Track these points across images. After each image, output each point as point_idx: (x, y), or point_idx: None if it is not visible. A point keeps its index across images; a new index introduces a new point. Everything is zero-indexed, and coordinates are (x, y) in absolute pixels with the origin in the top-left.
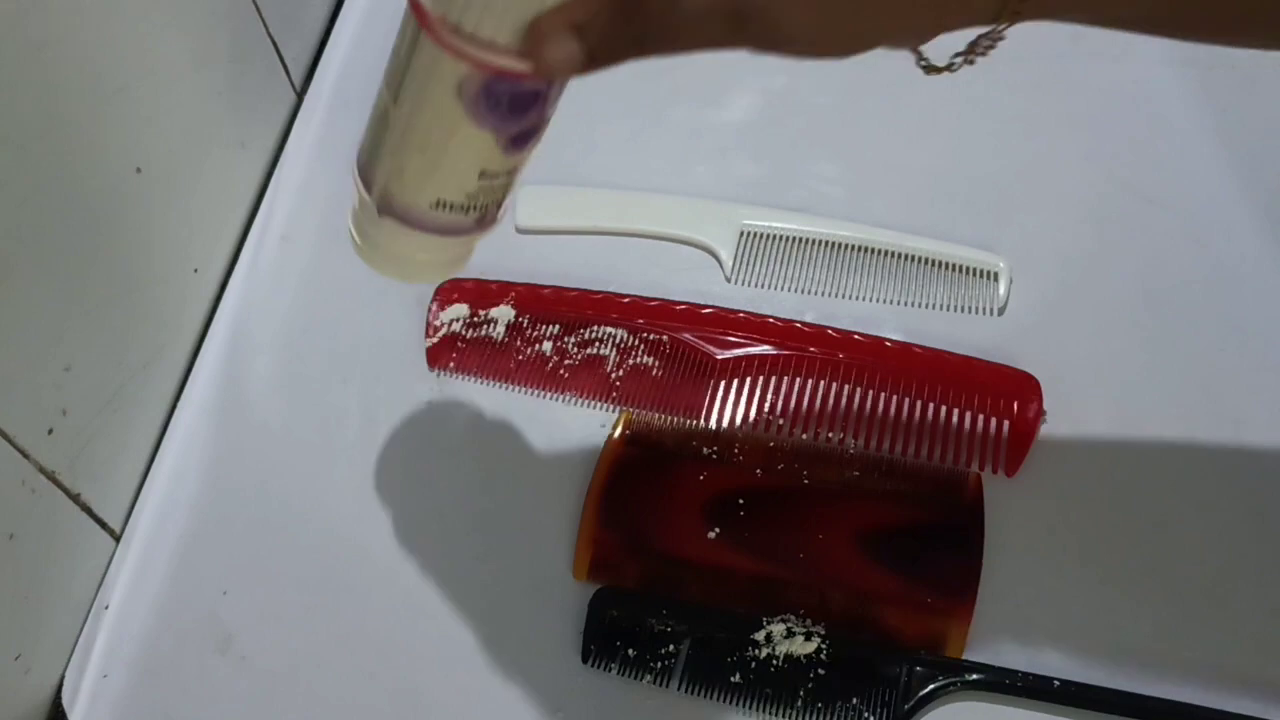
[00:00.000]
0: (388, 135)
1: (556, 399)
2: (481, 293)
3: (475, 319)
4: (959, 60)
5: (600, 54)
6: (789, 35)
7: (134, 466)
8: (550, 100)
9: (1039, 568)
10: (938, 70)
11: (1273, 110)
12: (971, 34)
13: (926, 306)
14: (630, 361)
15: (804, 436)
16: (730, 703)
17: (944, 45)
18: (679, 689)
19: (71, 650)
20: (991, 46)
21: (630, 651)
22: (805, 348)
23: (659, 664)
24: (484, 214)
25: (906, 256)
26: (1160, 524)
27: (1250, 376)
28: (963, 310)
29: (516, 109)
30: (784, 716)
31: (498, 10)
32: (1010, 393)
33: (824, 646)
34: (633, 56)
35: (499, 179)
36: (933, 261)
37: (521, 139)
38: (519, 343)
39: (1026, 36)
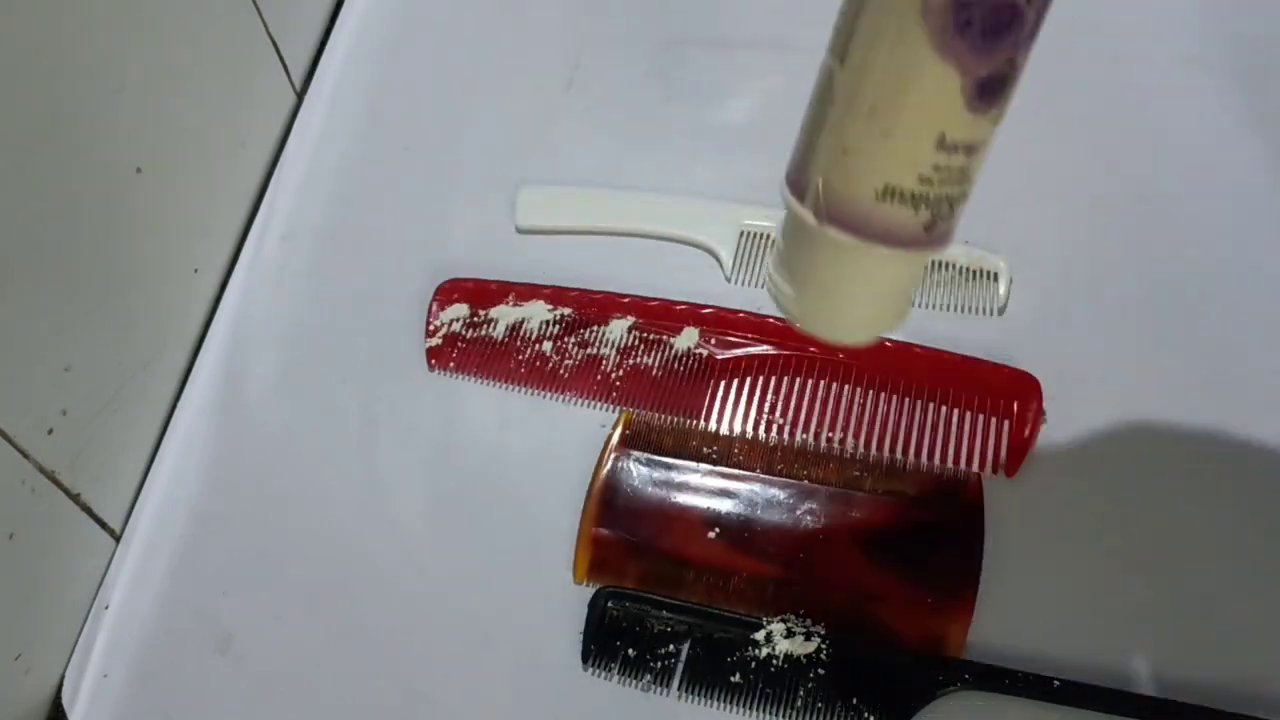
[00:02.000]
0: (830, 110)
1: (556, 399)
2: (481, 293)
3: (475, 319)
4: None
5: None
6: None
7: (134, 466)
8: (1029, 28)
9: (1039, 568)
10: None
11: (1275, 109)
12: None
13: (926, 306)
14: (630, 361)
15: (804, 437)
16: (730, 703)
17: None
18: (679, 689)
19: (71, 650)
20: None
21: (630, 652)
22: (805, 348)
23: (659, 664)
24: (935, 216)
25: None
26: (1161, 524)
27: (1251, 376)
28: (962, 310)
29: (990, 34)
30: (784, 716)
31: None
32: (1010, 393)
33: (824, 646)
34: None
35: (957, 157)
36: (932, 261)
37: (990, 86)
38: (519, 343)
39: None
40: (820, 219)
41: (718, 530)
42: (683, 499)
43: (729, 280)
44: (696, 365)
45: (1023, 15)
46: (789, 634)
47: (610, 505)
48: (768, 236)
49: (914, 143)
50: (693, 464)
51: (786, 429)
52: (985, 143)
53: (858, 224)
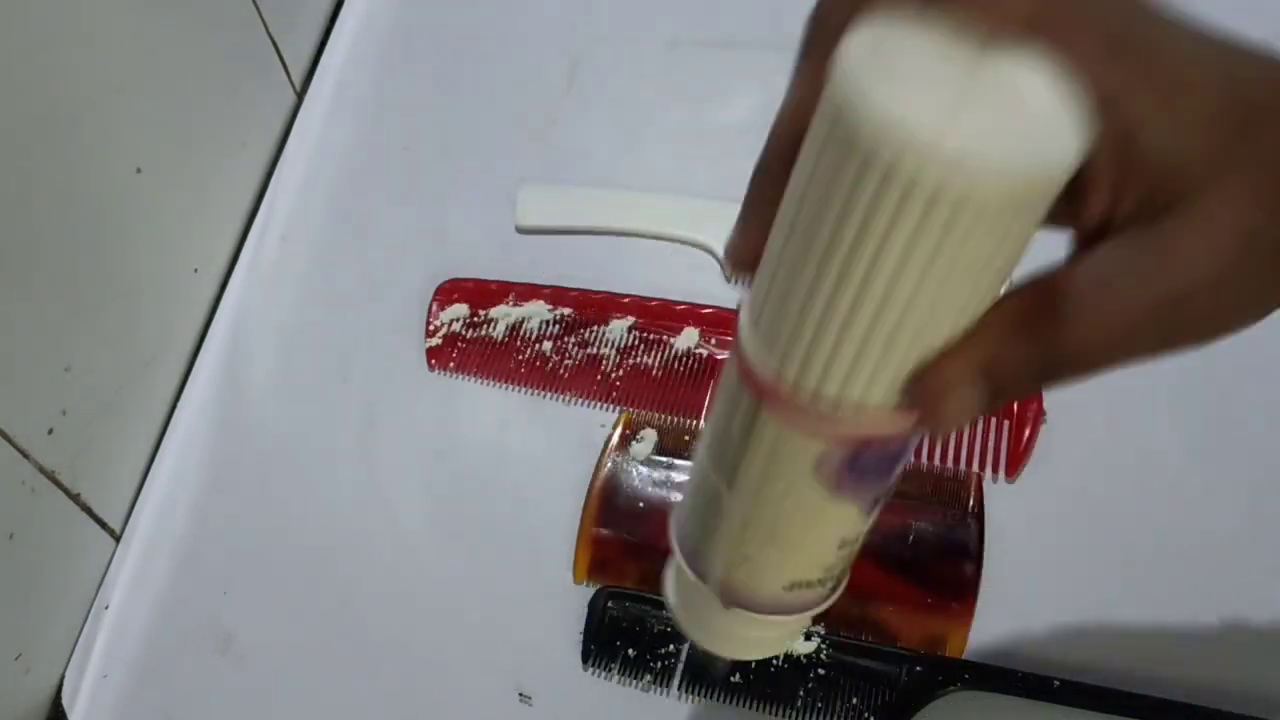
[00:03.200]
0: (723, 524)
1: (556, 399)
2: (481, 293)
3: (475, 319)
4: None
5: (1003, 395)
6: (1214, 336)
7: (134, 466)
8: (915, 444)
9: (1039, 568)
10: None
11: None
12: None
13: None
14: (630, 361)
15: None
16: (730, 703)
17: None
18: (679, 689)
19: (71, 650)
20: None
21: (630, 652)
22: None
23: (659, 664)
24: (838, 581)
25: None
26: (1160, 524)
27: (1251, 376)
28: None
29: (884, 469)
30: (784, 716)
31: (868, 370)
32: None
33: (824, 646)
34: (1040, 390)
35: (856, 543)
36: None
37: (883, 498)
38: (519, 343)
39: None
40: (725, 603)
41: None
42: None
43: (729, 280)
44: (696, 365)
45: (909, 444)
46: None
47: (610, 505)
48: None
49: (817, 555)
50: (690, 464)
51: None
52: (879, 514)
53: (763, 607)
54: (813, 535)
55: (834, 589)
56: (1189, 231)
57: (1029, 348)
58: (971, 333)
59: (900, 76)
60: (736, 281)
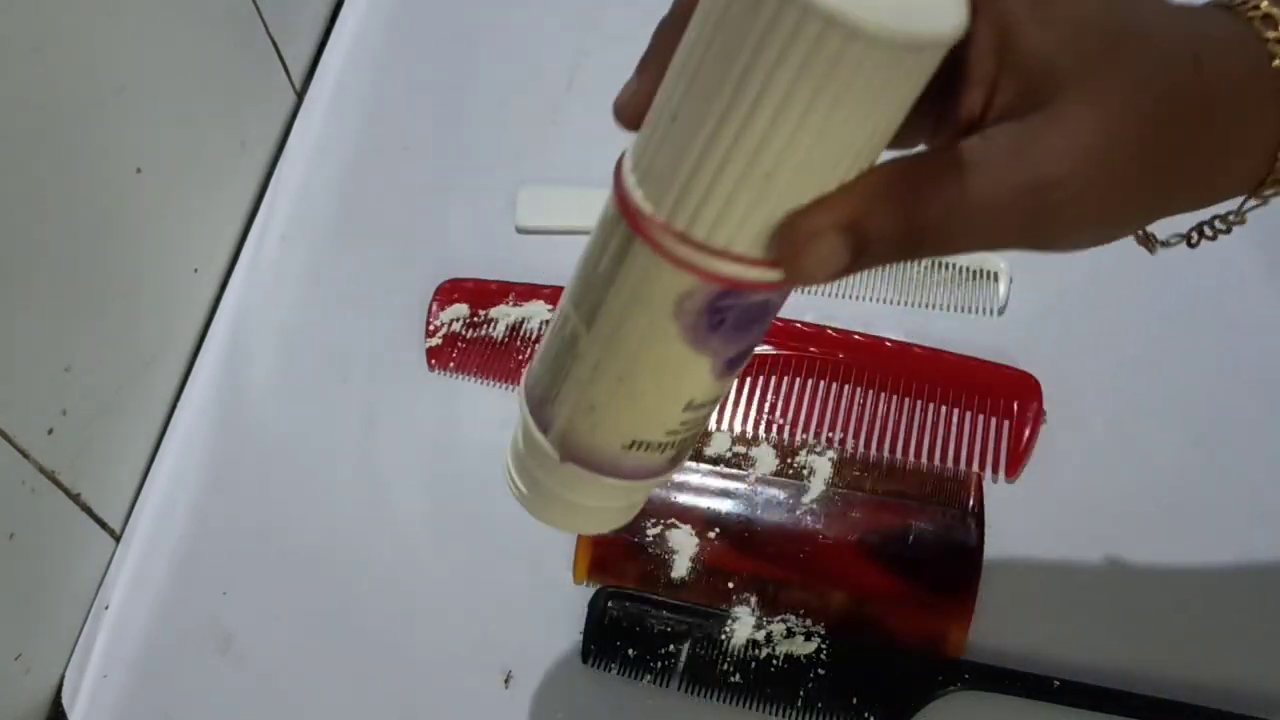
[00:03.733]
0: (575, 365)
1: None
2: (481, 293)
3: (475, 319)
4: (1176, 239)
5: (866, 257)
6: (1077, 235)
7: (134, 466)
8: (776, 310)
9: (1039, 568)
10: (1158, 245)
11: None
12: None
13: (926, 306)
14: None
15: (803, 436)
16: (730, 703)
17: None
18: (679, 689)
19: (71, 650)
20: (1227, 230)
21: (630, 651)
22: (805, 348)
23: (659, 664)
24: (679, 452)
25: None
26: (1160, 524)
27: (1251, 375)
28: (963, 310)
29: (742, 325)
30: (784, 716)
31: (740, 210)
32: (1010, 393)
33: (824, 646)
34: (902, 258)
35: (703, 410)
36: (932, 261)
37: (736, 361)
38: (519, 343)
39: None
40: (562, 457)
41: (718, 530)
42: (683, 499)
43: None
44: None
45: (772, 306)
46: (789, 634)
47: None
48: None
49: (663, 409)
50: (693, 464)
51: (786, 429)
52: (729, 389)
53: (601, 466)
54: (662, 386)
55: (674, 460)
56: (1056, 127)
57: (894, 211)
58: (841, 190)
59: None
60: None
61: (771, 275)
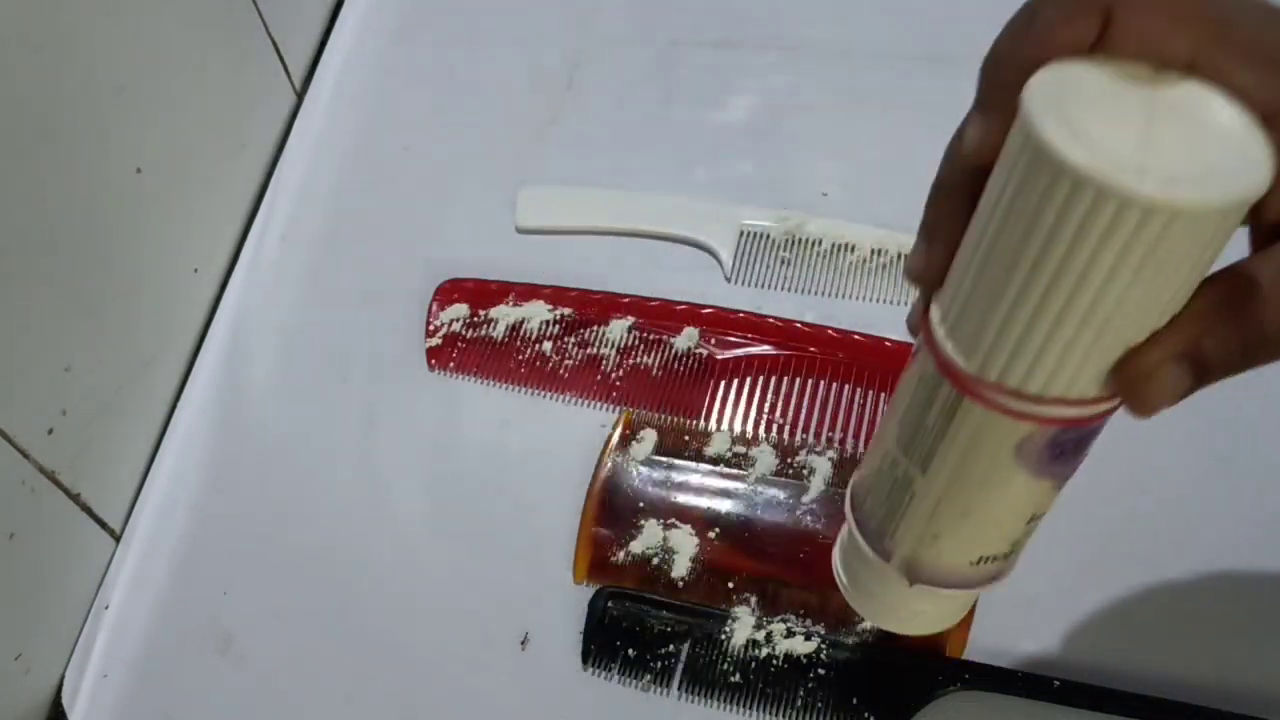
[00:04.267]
0: (914, 503)
1: (556, 399)
2: (481, 293)
3: (475, 319)
4: None
5: (1206, 375)
6: None
7: (134, 466)
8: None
9: (1039, 568)
10: None
11: None
12: None
13: None
14: (630, 361)
15: (803, 436)
16: (730, 703)
17: None
18: (679, 689)
19: (71, 650)
20: None
21: (630, 652)
22: (805, 348)
23: (659, 664)
24: (1019, 553)
25: (906, 256)
26: (1160, 524)
27: (1251, 376)
28: None
29: (1082, 447)
30: (784, 716)
31: (1074, 364)
32: None
33: (824, 646)
34: (1243, 370)
35: (1043, 516)
36: None
37: (1073, 471)
38: (519, 343)
39: None
40: (910, 581)
41: (718, 530)
42: (683, 499)
43: (729, 280)
44: (696, 365)
45: (1103, 423)
46: (789, 634)
47: (610, 505)
48: (768, 236)
49: (1007, 529)
50: (693, 464)
51: (786, 429)
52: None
53: (950, 582)
54: (1007, 512)
55: (1014, 560)
56: None
57: (1229, 330)
58: (1173, 322)
59: (1089, 117)
60: (736, 281)
61: (1109, 405)
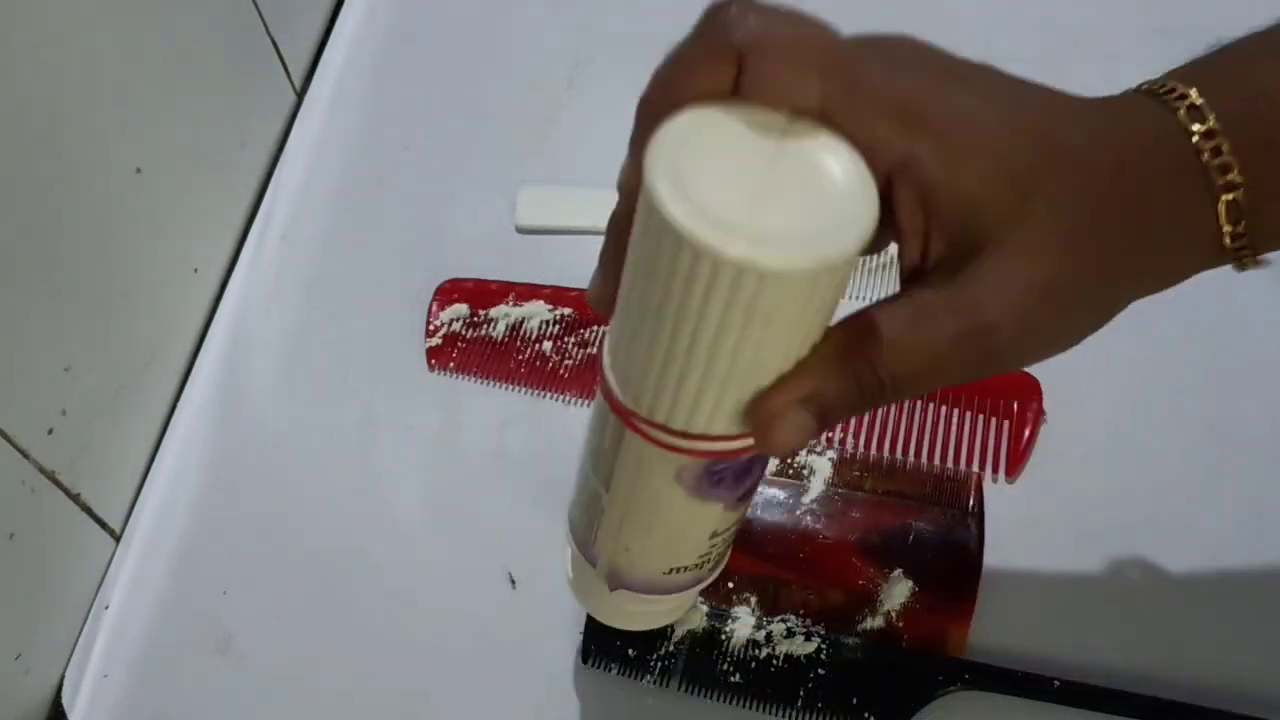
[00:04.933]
0: (604, 518)
1: (556, 399)
2: (481, 293)
3: (475, 319)
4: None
5: (830, 419)
6: (1025, 362)
7: (134, 466)
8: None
9: (1039, 568)
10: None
11: None
12: None
13: None
14: None
15: None
16: (730, 703)
17: None
18: (679, 689)
19: (71, 650)
20: None
21: (630, 651)
22: None
23: (659, 664)
24: (716, 563)
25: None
26: (1160, 524)
27: (1251, 377)
28: None
29: (740, 476)
30: (784, 716)
31: (709, 405)
32: (1010, 393)
33: (824, 646)
34: (863, 412)
35: (729, 530)
36: None
37: (746, 495)
38: (519, 343)
39: (1024, 39)
40: (610, 587)
41: None
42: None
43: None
44: None
45: (762, 458)
46: (789, 634)
47: None
48: None
49: (689, 544)
50: None
51: None
52: (749, 505)
53: (646, 589)
54: (683, 531)
55: (713, 568)
56: (985, 279)
57: (846, 379)
58: (797, 368)
59: (705, 172)
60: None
61: (748, 444)
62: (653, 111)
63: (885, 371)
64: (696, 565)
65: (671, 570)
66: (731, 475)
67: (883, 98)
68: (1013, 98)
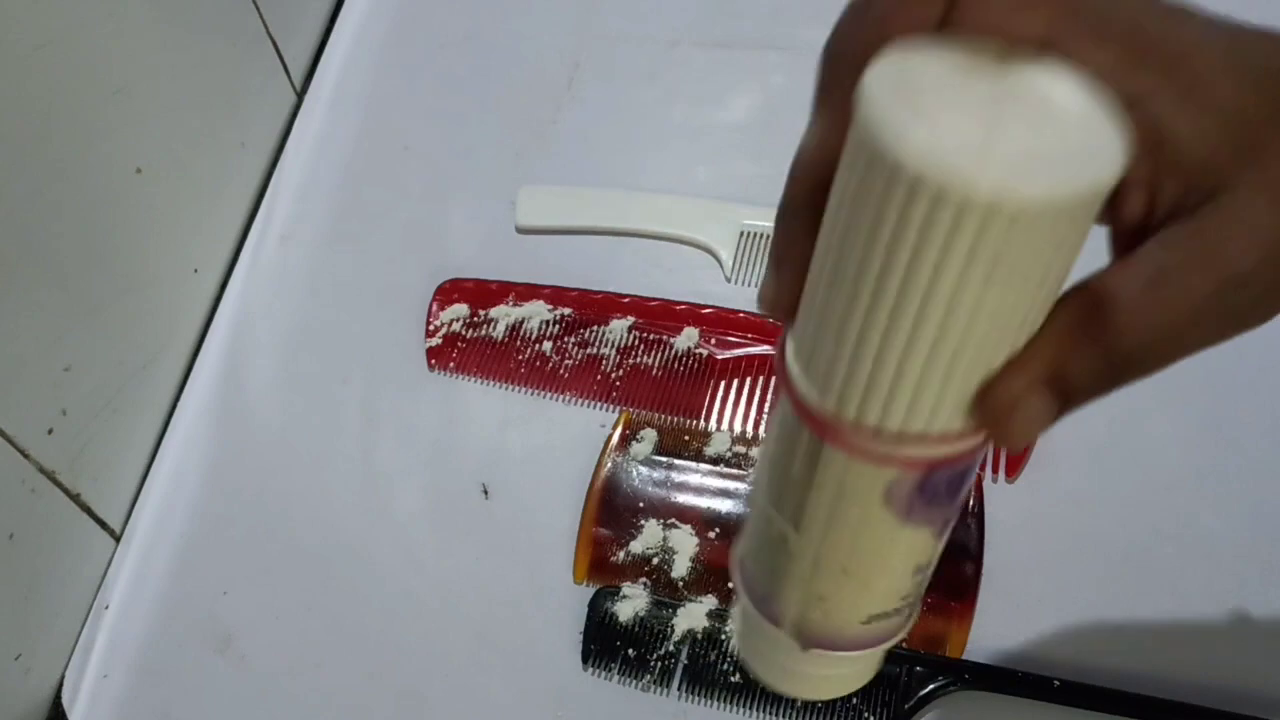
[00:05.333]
0: (793, 564)
1: (556, 399)
2: (481, 293)
3: (475, 319)
4: None
5: (1073, 401)
6: (1271, 312)
7: (134, 466)
8: (979, 464)
9: (1039, 568)
10: None
11: None
12: None
13: None
14: (630, 361)
15: None
16: (730, 703)
17: None
18: (679, 689)
19: (71, 650)
20: None
21: (630, 652)
22: None
23: (659, 664)
24: (914, 608)
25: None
26: (1159, 524)
27: (1251, 377)
28: None
29: (955, 488)
30: (784, 716)
31: (932, 395)
32: None
33: None
34: (1110, 391)
35: (930, 566)
36: None
37: (953, 519)
38: (519, 343)
39: None
40: (803, 646)
41: (718, 530)
42: (683, 499)
43: (729, 280)
44: (696, 365)
45: (977, 460)
46: None
47: (610, 505)
48: (768, 236)
49: (893, 584)
50: (693, 464)
51: None
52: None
53: (843, 645)
54: (888, 566)
55: (910, 615)
56: (1231, 222)
57: (1091, 352)
58: (1032, 344)
59: (930, 107)
60: (736, 282)
61: (976, 440)
62: (846, 57)
63: (1134, 340)
64: (897, 611)
65: (870, 619)
66: (945, 488)
67: (1105, 26)
68: (1231, 30)
